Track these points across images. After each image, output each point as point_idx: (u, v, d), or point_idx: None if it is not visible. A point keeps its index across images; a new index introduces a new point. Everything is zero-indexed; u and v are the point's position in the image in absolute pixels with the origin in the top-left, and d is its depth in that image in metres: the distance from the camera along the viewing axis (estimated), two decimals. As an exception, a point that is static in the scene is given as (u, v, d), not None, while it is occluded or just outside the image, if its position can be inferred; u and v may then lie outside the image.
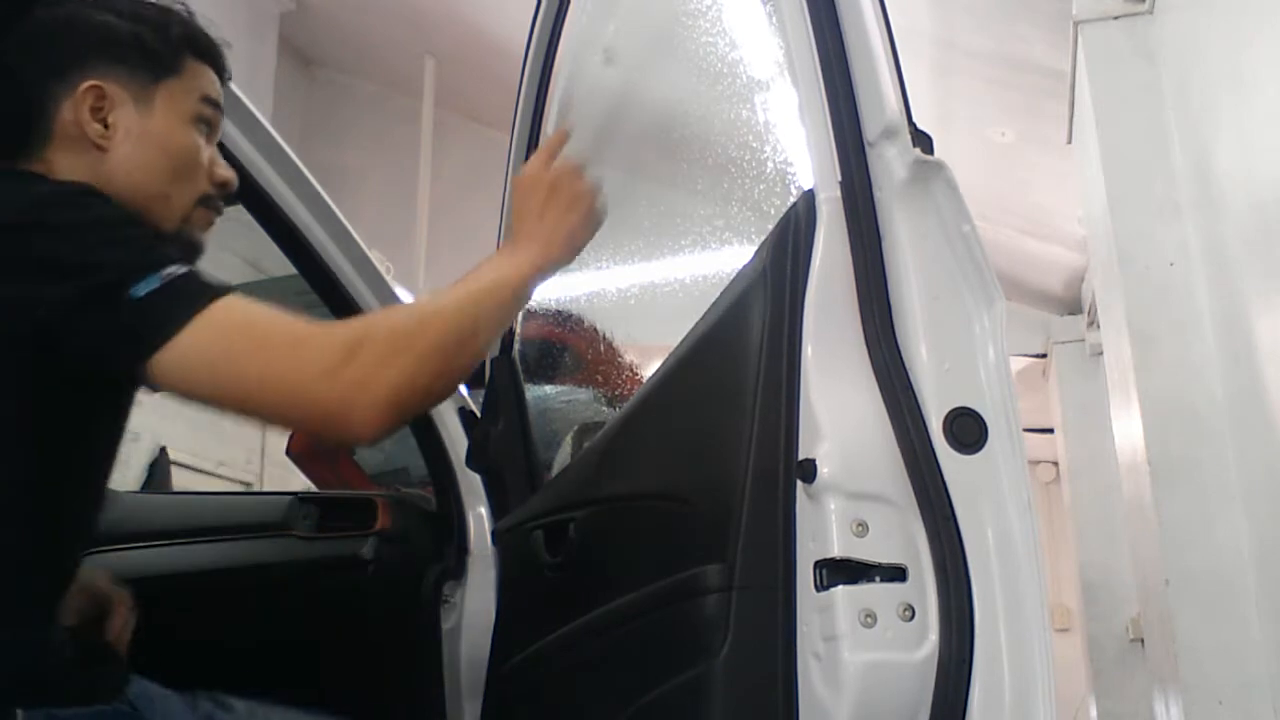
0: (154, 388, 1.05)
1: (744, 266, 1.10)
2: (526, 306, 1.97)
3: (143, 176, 1.17)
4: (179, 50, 1.22)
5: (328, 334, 1.03)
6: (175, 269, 1.01)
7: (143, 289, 0.98)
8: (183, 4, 1.26)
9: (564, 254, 1.22)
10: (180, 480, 3.93)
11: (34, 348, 1.01)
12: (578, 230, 1.24)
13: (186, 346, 0.98)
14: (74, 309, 0.99)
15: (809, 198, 1.02)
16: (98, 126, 1.16)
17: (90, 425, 1.13)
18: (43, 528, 1.09)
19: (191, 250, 1.22)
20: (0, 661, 1.04)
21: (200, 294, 1.00)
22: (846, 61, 1.01)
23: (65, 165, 1.16)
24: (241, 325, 1.01)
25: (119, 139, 1.17)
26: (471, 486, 1.85)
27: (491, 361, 1.86)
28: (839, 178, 1.00)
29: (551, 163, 1.26)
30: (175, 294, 0.99)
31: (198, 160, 1.22)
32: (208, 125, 1.24)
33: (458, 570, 1.82)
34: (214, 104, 1.25)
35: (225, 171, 1.26)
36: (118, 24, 1.19)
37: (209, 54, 1.26)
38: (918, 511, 0.90)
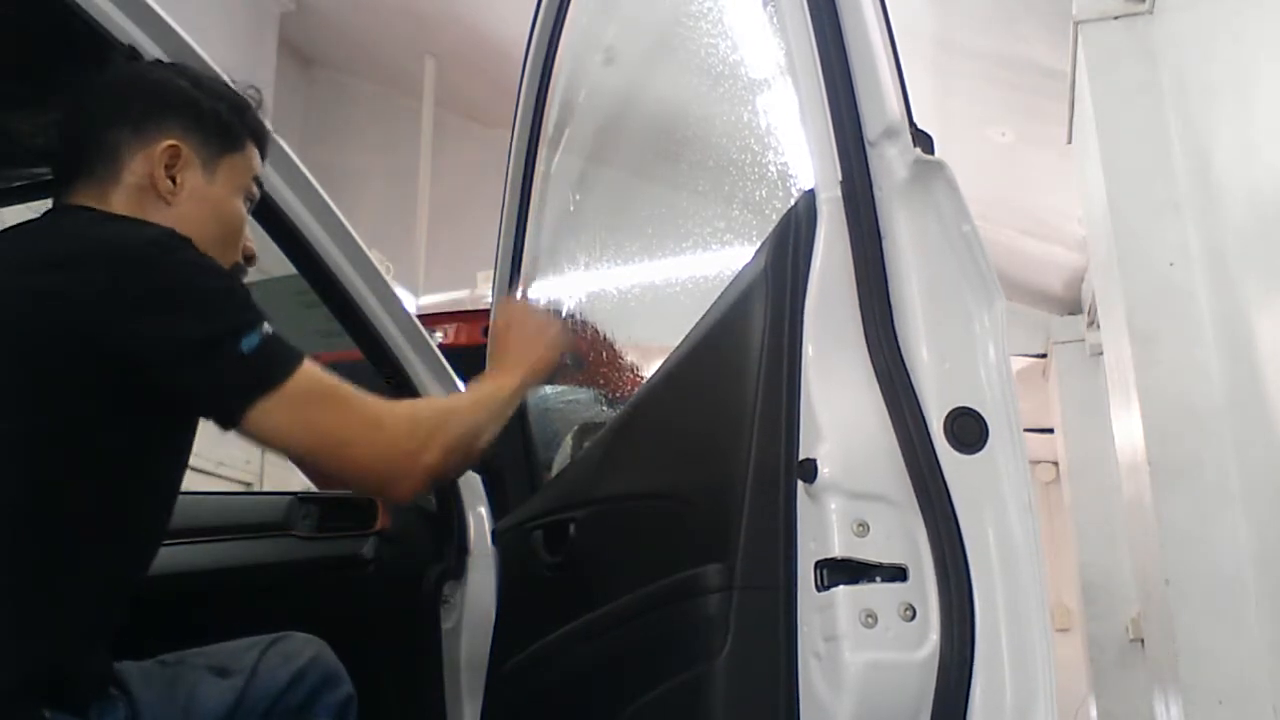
0: (235, 429, 1.15)
1: (745, 266, 1.10)
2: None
3: (197, 234, 1.23)
4: (244, 131, 1.34)
5: (393, 416, 1.23)
6: (269, 327, 1.14)
7: (248, 344, 1.12)
8: (255, 90, 1.40)
9: (537, 377, 1.48)
10: (180, 480, 3.92)
11: (130, 381, 1.10)
12: (546, 355, 1.49)
13: (284, 401, 1.13)
14: (187, 352, 1.11)
15: (809, 198, 1.02)
16: (168, 182, 1.26)
17: (157, 460, 1.21)
18: (105, 552, 1.15)
19: None
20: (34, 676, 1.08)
21: (293, 354, 1.15)
22: (847, 61, 1.01)
23: (125, 209, 1.24)
24: (329, 391, 1.18)
25: (184, 197, 1.27)
26: (471, 486, 1.85)
27: (491, 361, 1.86)
28: (839, 177, 1.00)
29: (523, 309, 1.51)
30: (274, 351, 1.14)
31: (241, 230, 1.34)
32: (250, 201, 1.37)
33: (458, 570, 1.82)
34: (259, 183, 1.38)
35: (251, 245, 1.38)
36: (201, 97, 1.31)
37: (262, 140, 1.38)
38: (918, 511, 0.90)
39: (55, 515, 1.11)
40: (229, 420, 1.14)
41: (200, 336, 1.11)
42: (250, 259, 1.38)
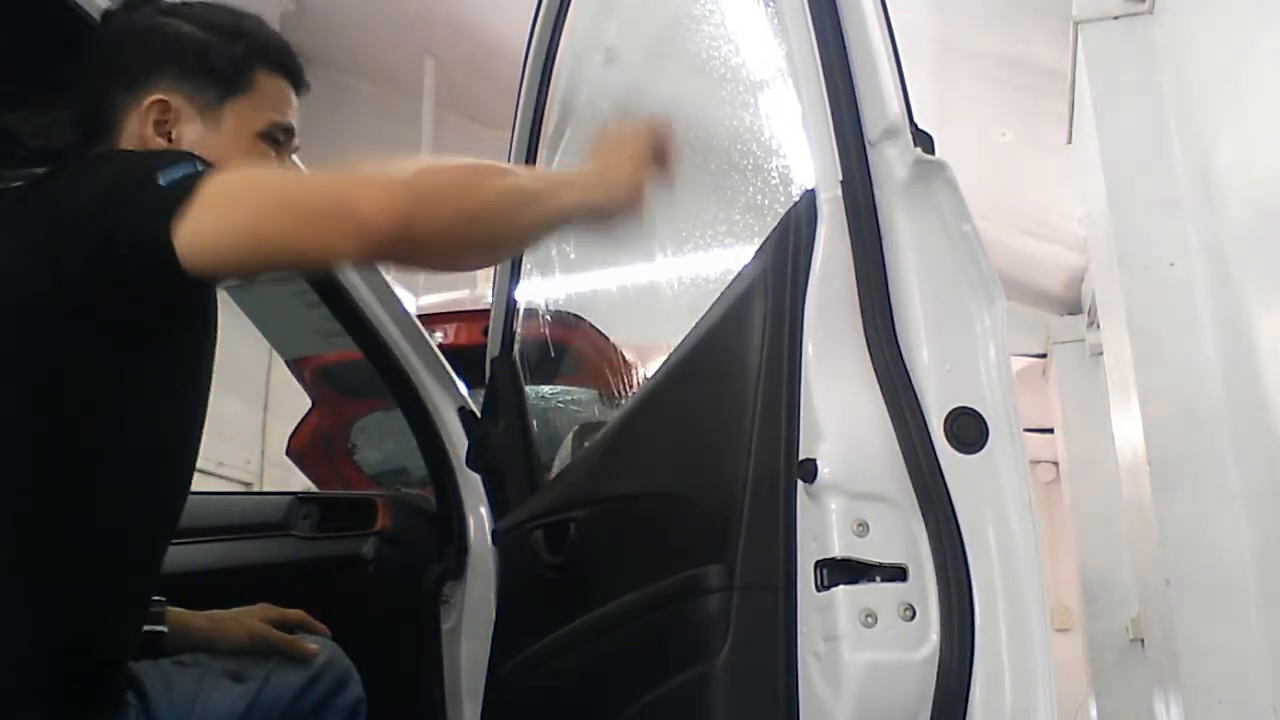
0: (174, 266, 1.01)
1: (745, 266, 1.10)
2: (527, 306, 1.98)
3: None
4: (247, 67, 1.21)
5: (350, 172, 1.03)
6: (201, 165, 1.02)
7: (167, 177, 1.00)
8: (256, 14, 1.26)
9: (616, 202, 1.14)
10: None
11: (86, 316, 1.02)
12: (636, 188, 1.16)
13: (201, 209, 0.97)
14: (110, 215, 1.00)
15: (810, 197, 1.02)
16: (161, 140, 1.16)
17: (157, 418, 1.11)
18: (115, 534, 1.09)
19: None
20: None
21: (211, 170, 1.01)
22: (848, 61, 1.01)
23: None
24: (247, 179, 1.04)
25: None
26: (471, 486, 1.85)
27: (491, 361, 1.86)
28: (840, 177, 1.00)
29: (646, 128, 1.20)
30: (196, 175, 1.00)
31: None
32: (276, 144, 1.23)
33: (458, 570, 1.82)
34: (285, 128, 1.24)
35: None
36: (188, 36, 1.19)
37: (282, 66, 1.24)
38: (919, 511, 0.90)
39: (60, 500, 1.06)
40: (157, 256, 0.98)
41: (122, 192, 1.01)
42: None
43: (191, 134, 1.17)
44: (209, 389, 1.20)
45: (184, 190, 0.98)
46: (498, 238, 1.09)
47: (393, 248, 0.99)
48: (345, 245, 0.99)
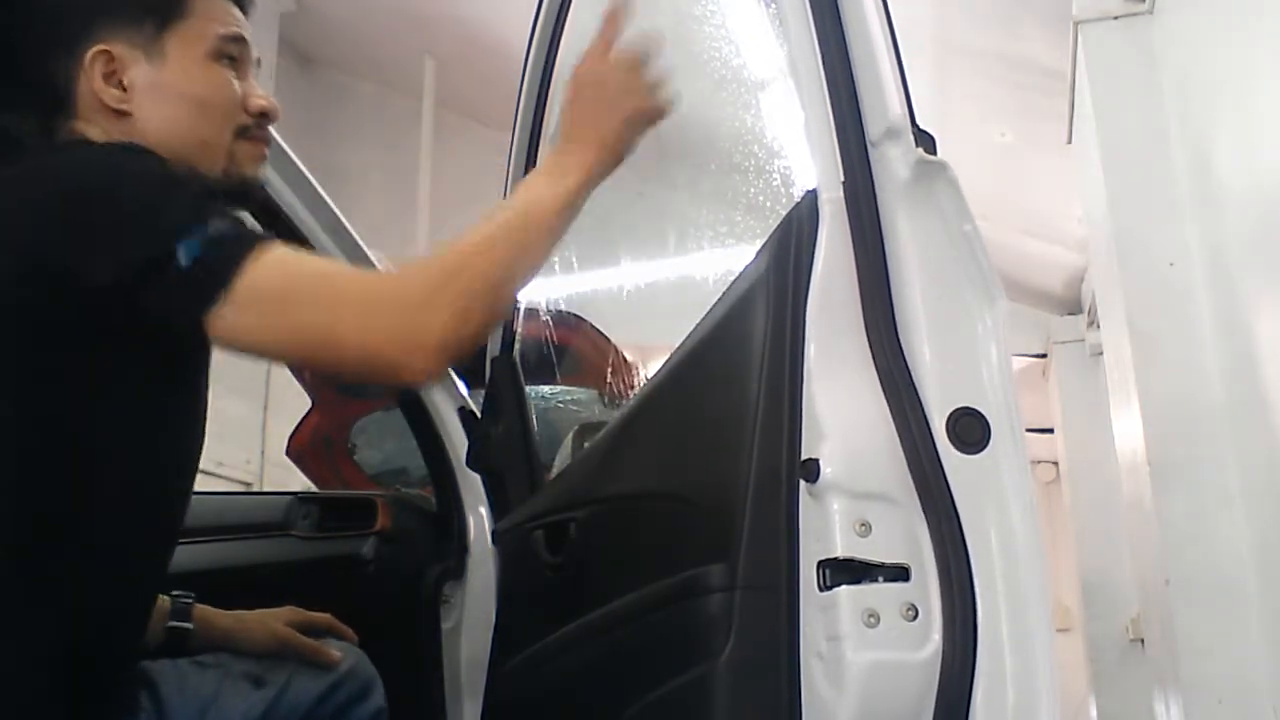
0: (213, 346, 1.04)
1: (747, 266, 1.10)
2: (527, 306, 1.97)
3: (171, 129, 1.14)
4: None
5: (379, 284, 1.03)
6: (214, 226, 0.99)
7: (187, 254, 0.97)
8: None
9: (615, 157, 1.14)
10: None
11: (85, 325, 1.00)
12: (634, 123, 1.15)
13: (240, 306, 0.97)
14: (128, 286, 0.98)
15: (811, 198, 1.02)
16: (115, 91, 1.13)
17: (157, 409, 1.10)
18: (117, 539, 1.07)
19: (245, 188, 1.20)
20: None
21: (239, 250, 0.98)
22: (849, 62, 1.01)
23: (96, 137, 1.13)
24: (291, 278, 1.00)
25: (139, 99, 1.14)
26: (471, 486, 1.85)
27: (491, 361, 1.86)
28: (842, 178, 1.00)
29: (608, 54, 1.17)
30: (216, 256, 0.97)
31: (225, 97, 1.18)
32: (231, 59, 1.19)
33: (458, 570, 1.82)
34: (233, 38, 1.19)
35: (261, 100, 1.21)
36: None
37: None
38: (921, 511, 0.90)
39: (58, 506, 1.04)
40: (198, 341, 1.00)
41: (137, 266, 0.98)
42: (265, 114, 1.21)
43: (142, 76, 1.14)
44: (207, 390, 1.19)
45: (215, 277, 0.97)
46: (522, 276, 1.10)
47: (446, 371, 0.99)
48: (408, 377, 1.02)
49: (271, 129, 1.29)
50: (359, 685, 1.39)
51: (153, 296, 0.98)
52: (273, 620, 1.39)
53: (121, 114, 1.14)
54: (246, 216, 1.13)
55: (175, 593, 1.34)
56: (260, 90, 1.22)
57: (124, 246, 0.99)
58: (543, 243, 1.09)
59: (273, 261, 0.99)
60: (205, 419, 1.20)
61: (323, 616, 1.44)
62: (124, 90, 1.14)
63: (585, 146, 1.12)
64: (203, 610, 1.35)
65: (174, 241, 0.97)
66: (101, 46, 1.13)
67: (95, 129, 1.14)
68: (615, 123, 1.14)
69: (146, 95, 1.14)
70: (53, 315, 1.01)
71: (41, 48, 1.15)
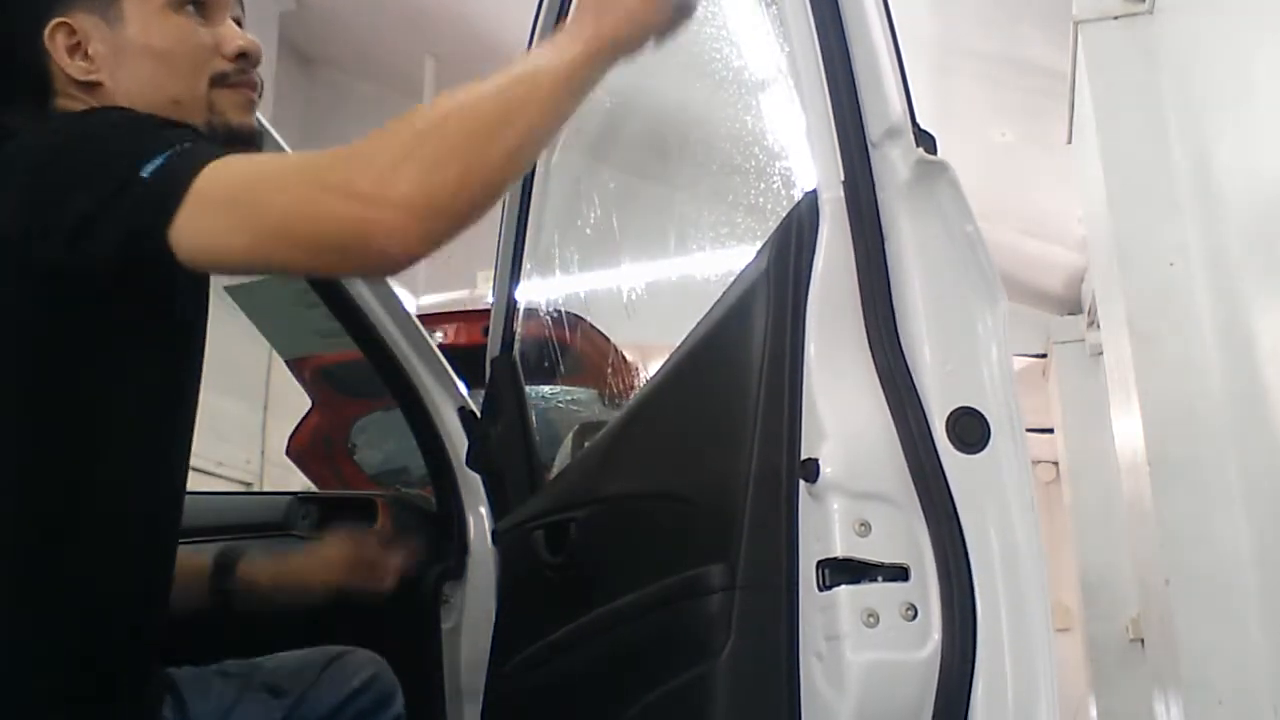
0: (173, 264, 0.97)
1: (747, 266, 1.10)
2: (527, 306, 1.97)
3: (141, 90, 1.10)
4: None
5: (336, 152, 0.94)
6: (181, 146, 0.96)
7: (150, 168, 0.94)
8: None
9: (634, 30, 1.00)
10: (180, 480, 3.92)
11: (62, 305, 0.98)
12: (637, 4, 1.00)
13: (199, 208, 0.92)
14: (98, 216, 0.94)
15: (812, 198, 1.02)
16: (80, 64, 1.11)
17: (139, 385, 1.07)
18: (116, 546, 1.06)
19: (233, 140, 1.14)
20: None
21: (200, 159, 0.95)
22: (850, 62, 1.01)
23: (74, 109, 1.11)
24: (246, 169, 0.96)
25: (106, 67, 1.11)
26: (471, 486, 1.85)
27: (491, 361, 1.86)
28: (842, 178, 1.00)
29: None
30: (179, 165, 0.94)
31: (190, 46, 1.13)
32: (196, 5, 1.14)
33: (458, 570, 1.82)
34: None
35: (239, 41, 1.15)
36: None
37: None
38: (920, 511, 0.90)
39: (53, 513, 1.04)
40: (156, 256, 0.94)
41: (101, 185, 0.95)
42: (245, 55, 1.15)
43: (104, 43, 1.11)
44: (200, 374, 1.16)
45: (173, 185, 0.93)
46: (507, 147, 0.94)
47: (431, 246, 0.91)
48: (370, 271, 0.98)
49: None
50: (378, 694, 1.39)
51: (119, 220, 0.94)
52: (321, 565, 1.38)
53: (93, 85, 1.11)
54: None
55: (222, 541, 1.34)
56: (237, 31, 1.17)
57: (95, 183, 0.95)
58: (540, 108, 0.95)
59: (234, 160, 0.95)
60: (194, 409, 1.17)
61: (370, 543, 1.43)
62: (90, 60, 1.11)
63: (599, 14, 1.00)
64: (247, 567, 1.35)
65: (137, 163, 0.94)
66: (60, 19, 1.10)
67: (75, 104, 1.11)
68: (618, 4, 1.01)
69: (111, 61, 1.11)
70: (21, 298, 0.99)
71: (13, 31, 1.12)
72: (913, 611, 0.88)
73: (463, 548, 1.82)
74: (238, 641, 1.38)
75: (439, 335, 2.97)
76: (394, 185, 0.88)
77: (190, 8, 1.14)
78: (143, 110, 1.08)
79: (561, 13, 1.73)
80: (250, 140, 1.17)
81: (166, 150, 0.95)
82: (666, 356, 1.28)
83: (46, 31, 1.10)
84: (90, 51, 1.11)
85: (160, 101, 1.11)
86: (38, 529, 1.04)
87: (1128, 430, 2.90)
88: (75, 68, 1.11)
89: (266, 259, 0.98)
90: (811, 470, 0.91)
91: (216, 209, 0.94)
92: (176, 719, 1.20)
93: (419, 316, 1.95)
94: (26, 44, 1.11)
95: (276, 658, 1.38)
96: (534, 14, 1.76)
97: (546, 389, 2.56)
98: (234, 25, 1.18)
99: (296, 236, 0.93)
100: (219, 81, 1.15)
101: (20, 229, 0.98)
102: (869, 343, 0.96)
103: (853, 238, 0.98)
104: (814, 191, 1.02)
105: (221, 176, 0.94)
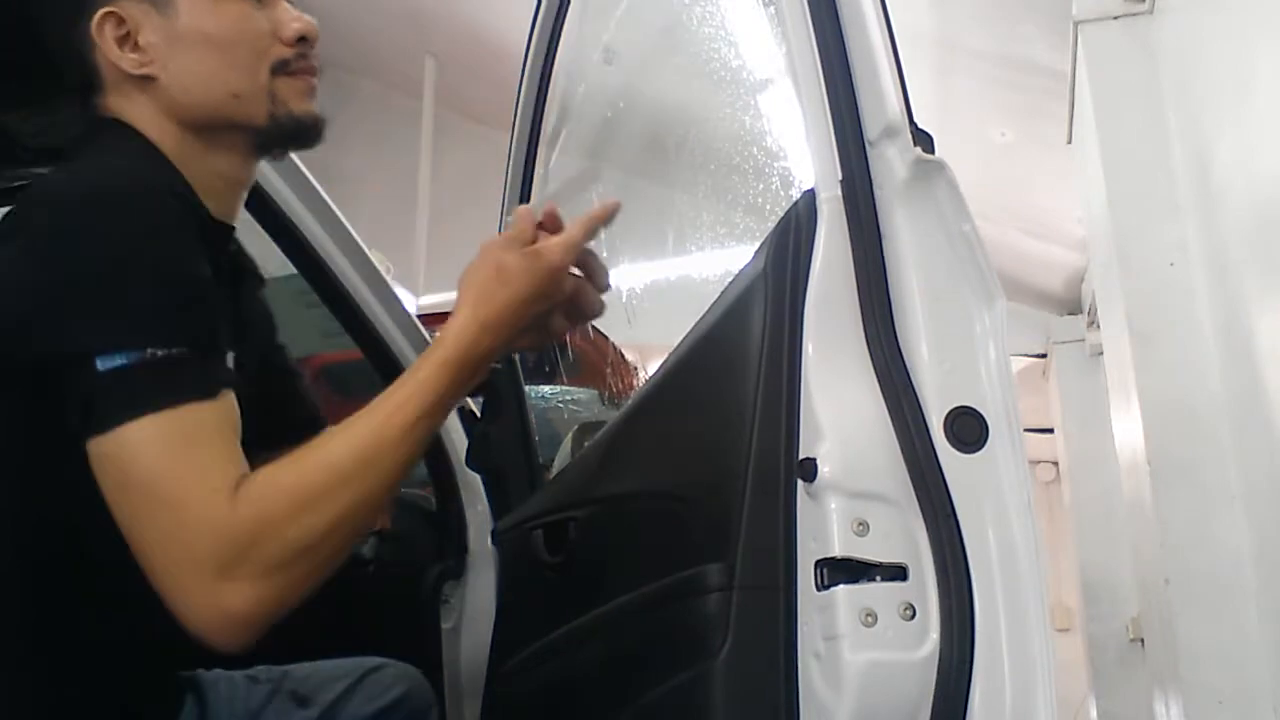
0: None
1: (745, 266, 1.10)
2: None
3: (201, 85, 1.05)
4: None
5: (185, 533, 0.88)
6: (155, 352, 0.89)
7: (107, 363, 0.88)
8: None
9: (497, 332, 1.01)
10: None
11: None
12: (529, 302, 1.02)
13: (107, 450, 0.88)
14: (60, 360, 0.90)
15: (809, 197, 1.02)
16: (131, 56, 1.05)
17: None
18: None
19: (300, 130, 1.10)
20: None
21: (156, 391, 0.88)
22: (847, 61, 1.01)
23: (133, 114, 1.05)
24: (146, 471, 0.88)
25: (160, 59, 1.05)
26: (471, 486, 1.85)
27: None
28: (840, 177, 1.00)
29: (518, 243, 1.06)
30: (142, 383, 0.89)
31: (249, 33, 1.07)
32: None
33: (458, 570, 1.82)
34: None
35: (296, 24, 1.09)
36: None
37: None
38: (918, 511, 0.90)
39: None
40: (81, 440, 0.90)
41: (65, 349, 0.90)
42: (304, 38, 1.08)
43: (155, 32, 1.04)
44: None
45: (106, 410, 0.88)
46: (365, 516, 0.98)
47: (267, 625, 0.91)
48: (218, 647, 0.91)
49: None
50: (409, 714, 1.36)
51: (65, 379, 0.90)
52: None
53: (145, 79, 1.05)
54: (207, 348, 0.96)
55: None
56: (292, 11, 1.10)
57: (71, 330, 0.90)
58: (394, 470, 0.96)
59: (151, 440, 0.88)
60: None
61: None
62: (142, 52, 1.05)
63: (447, 335, 1.01)
64: None
65: (104, 341, 0.89)
66: (108, 9, 1.04)
67: (126, 102, 1.06)
68: (505, 296, 1.02)
69: (164, 52, 1.05)
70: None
71: (59, 22, 1.07)
72: (911, 611, 0.88)
73: (462, 548, 1.83)
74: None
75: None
76: (226, 604, 0.88)
77: None
78: (201, 110, 1.04)
79: (561, 12, 1.73)
80: (316, 130, 1.12)
81: (139, 348, 0.88)
82: (666, 356, 1.28)
83: (94, 22, 1.04)
84: (142, 42, 1.05)
85: (219, 96, 1.06)
86: (53, 567, 1.00)
87: (1128, 430, 2.90)
88: (127, 60, 1.04)
89: (123, 524, 0.91)
90: (809, 470, 0.91)
91: (109, 476, 0.89)
92: (197, 718, 1.18)
93: (419, 316, 1.95)
94: (71, 36, 1.06)
95: (308, 666, 1.35)
96: (533, 14, 1.76)
97: (546, 389, 2.56)
98: (288, 6, 1.12)
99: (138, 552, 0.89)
100: (280, 69, 1.08)
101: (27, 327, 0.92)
102: (867, 342, 0.96)
103: (850, 237, 0.98)
104: (812, 191, 1.02)
105: (130, 456, 0.88)
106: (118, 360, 0.88)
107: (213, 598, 0.87)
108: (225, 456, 0.91)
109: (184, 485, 0.88)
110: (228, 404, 0.94)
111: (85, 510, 0.92)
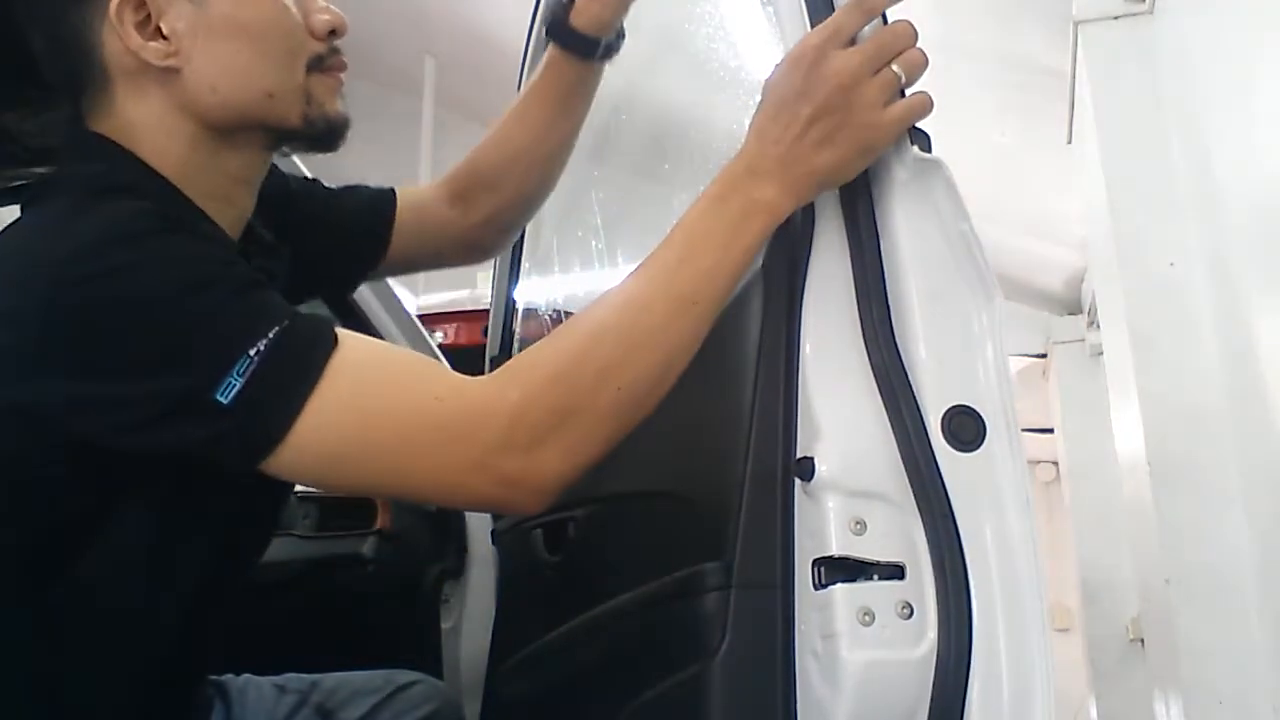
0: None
1: (743, 265, 1.10)
2: (527, 306, 1.97)
3: (232, 81, 0.93)
4: None
5: (469, 412, 0.83)
6: (259, 346, 0.80)
7: (226, 392, 0.79)
8: None
9: (807, 194, 0.91)
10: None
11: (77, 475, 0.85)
12: (849, 162, 0.90)
13: (305, 439, 0.80)
14: (150, 422, 0.80)
15: (808, 196, 1.02)
16: (155, 45, 0.92)
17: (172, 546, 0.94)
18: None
19: (330, 133, 1.04)
20: None
21: (299, 366, 0.81)
22: (845, 60, 1.01)
23: (141, 112, 0.93)
24: (362, 406, 0.82)
25: (187, 48, 0.92)
26: (471, 486, 1.85)
27: (491, 361, 1.86)
28: (838, 176, 1.00)
29: (843, 43, 0.91)
30: (271, 381, 0.80)
31: (285, 25, 0.97)
32: None
33: (457, 570, 1.82)
34: None
35: (325, 15, 1.00)
36: None
37: None
38: (916, 510, 0.90)
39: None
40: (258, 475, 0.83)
41: (161, 402, 0.80)
42: (334, 30, 1.01)
43: (182, 19, 0.92)
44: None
45: (266, 420, 0.80)
46: (677, 367, 0.90)
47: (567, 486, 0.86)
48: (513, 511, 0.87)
49: None
50: None
51: (186, 437, 0.80)
52: None
53: (166, 72, 0.92)
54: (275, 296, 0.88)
55: None
56: (320, 3, 1.01)
57: (143, 383, 0.80)
58: (699, 325, 0.90)
59: (336, 396, 0.81)
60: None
61: None
62: (166, 41, 0.92)
63: (768, 184, 0.90)
64: None
65: (211, 374, 0.79)
66: None
67: (136, 98, 0.93)
68: (819, 158, 0.89)
69: (194, 42, 0.92)
70: (37, 464, 0.84)
71: (49, 6, 0.94)
72: (908, 610, 0.88)
73: (462, 548, 1.83)
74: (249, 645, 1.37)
75: (439, 335, 2.97)
76: (539, 472, 0.85)
77: None
78: (231, 109, 0.93)
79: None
80: (344, 132, 1.05)
81: (242, 356, 0.79)
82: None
83: (113, 7, 0.91)
84: (166, 30, 0.92)
85: (252, 96, 0.95)
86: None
87: (1128, 430, 2.90)
88: (151, 50, 0.91)
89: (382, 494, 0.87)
90: (807, 469, 0.91)
91: (320, 459, 0.82)
92: None
93: (419, 316, 1.96)
94: (80, 23, 0.93)
95: (337, 678, 1.32)
96: (533, 14, 1.76)
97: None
98: None
99: (418, 497, 0.94)
100: (314, 66, 1.00)
101: (43, 398, 0.82)
102: (864, 341, 0.96)
103: (848, 235, 0.98)
104: (810, 190, 1.02)
105: (331, 420, 0.81)
106: (233, 383, 0.79)
107: (524, 472, 0.83)
108: (412, 360, 0.87)
109: (423, 405, 0.83)
110: (352, 336, 0.87)
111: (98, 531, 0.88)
